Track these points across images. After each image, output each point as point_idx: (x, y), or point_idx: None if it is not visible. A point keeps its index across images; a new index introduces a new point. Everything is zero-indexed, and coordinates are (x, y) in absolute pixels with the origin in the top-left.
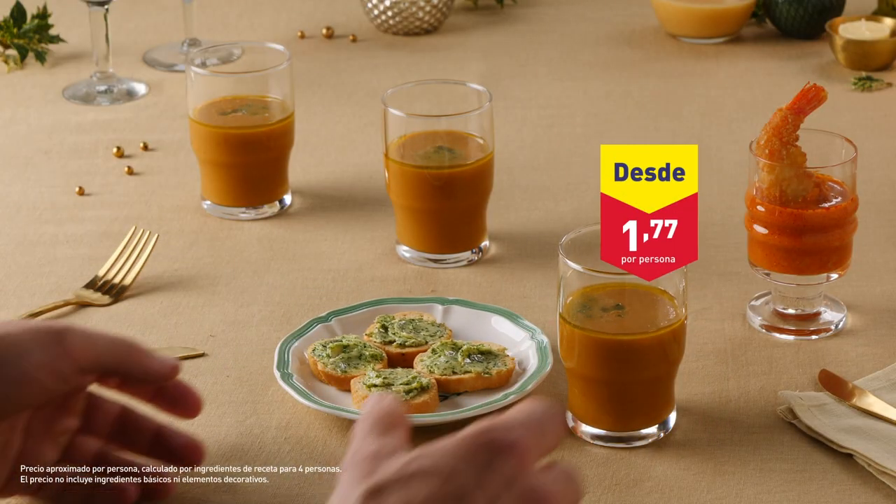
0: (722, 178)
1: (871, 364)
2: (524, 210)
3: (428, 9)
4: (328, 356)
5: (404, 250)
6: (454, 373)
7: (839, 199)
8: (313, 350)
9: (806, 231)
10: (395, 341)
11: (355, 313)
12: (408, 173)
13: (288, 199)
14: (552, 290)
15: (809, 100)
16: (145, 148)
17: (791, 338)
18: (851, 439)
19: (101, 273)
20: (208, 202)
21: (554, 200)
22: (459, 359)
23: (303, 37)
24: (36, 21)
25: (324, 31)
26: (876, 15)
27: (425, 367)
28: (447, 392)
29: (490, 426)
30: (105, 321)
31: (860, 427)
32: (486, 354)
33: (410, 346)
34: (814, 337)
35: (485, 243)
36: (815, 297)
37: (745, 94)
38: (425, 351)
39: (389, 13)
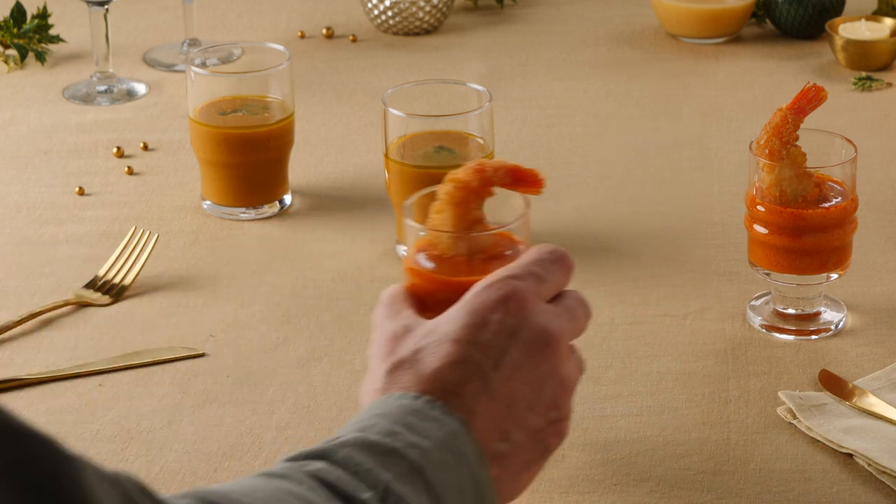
0: (722, 178)
1: (871, 364)
2: None
3: (428, 9)
4: None
5: (404, 250)
6: None
7: (839, 199)
8: None
9: (806, 231)
10: None
11: None
12: (408, 173)
13: (288, 199)
14: None
15: (809, 100)
16: (145, 148)
17: (791, 338)
18: (851, 439)
19: (101, 273)
20: (208, 202)
21: (554, 200)
22: None
23: (303, 37)
24: (36, 21)
25: (324, 31)
26: (876, 15)
27: None
28: None
29: (483, 284)
30: (105, 321)
31: (860, 427)
32: None
33: None
34: (814, 337)
35: None
36: (815, 297)
37: (745, 94)
38: None
39: (389, 13)
